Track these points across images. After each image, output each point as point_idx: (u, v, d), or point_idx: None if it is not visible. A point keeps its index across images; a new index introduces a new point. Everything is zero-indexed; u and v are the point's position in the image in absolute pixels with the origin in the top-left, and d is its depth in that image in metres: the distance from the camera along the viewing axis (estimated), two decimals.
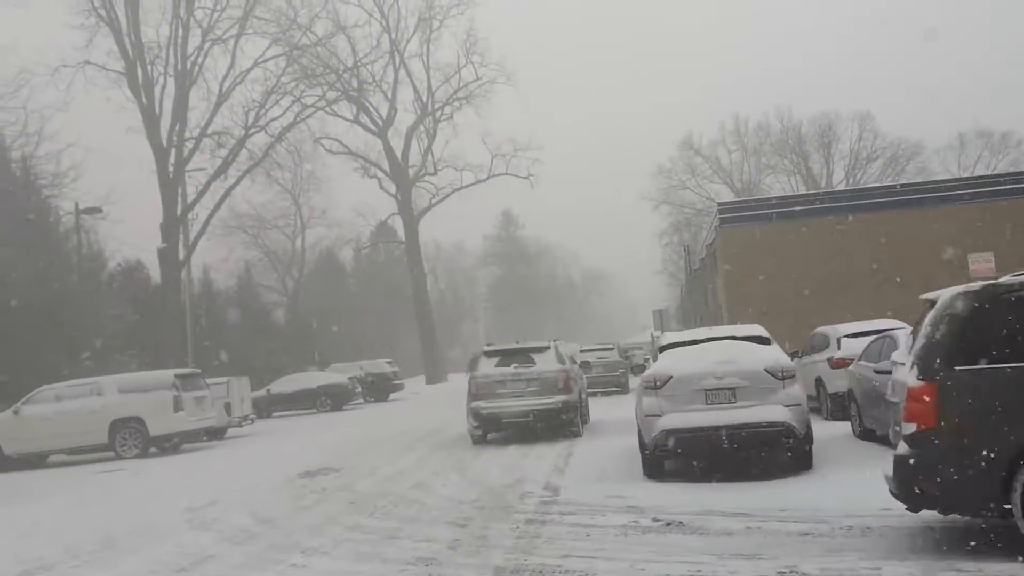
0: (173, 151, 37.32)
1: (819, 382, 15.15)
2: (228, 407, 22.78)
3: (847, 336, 14.82)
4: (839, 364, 14.25)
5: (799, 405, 9.70)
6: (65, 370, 29.30)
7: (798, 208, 28.50)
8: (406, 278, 57.70)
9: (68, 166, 33.88)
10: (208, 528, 9.07)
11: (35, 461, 19.08)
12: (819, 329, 16.58)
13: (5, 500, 13.42)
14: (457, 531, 7.90)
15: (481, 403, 15.13)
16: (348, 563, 7.00)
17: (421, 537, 7.75)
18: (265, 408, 30.97)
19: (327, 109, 46.74)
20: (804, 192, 51.05)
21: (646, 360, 32.40)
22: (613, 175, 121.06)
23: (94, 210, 31.51)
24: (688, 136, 67.63)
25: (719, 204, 31.44)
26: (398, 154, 52.28)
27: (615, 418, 17.38)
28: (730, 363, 9.82)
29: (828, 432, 12.51)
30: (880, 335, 12.19)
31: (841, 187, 60.36)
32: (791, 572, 5.63)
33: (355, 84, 48.46)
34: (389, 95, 51.78)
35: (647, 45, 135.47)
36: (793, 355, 16.22)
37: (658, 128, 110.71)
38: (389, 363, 39.78)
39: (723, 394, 9.67)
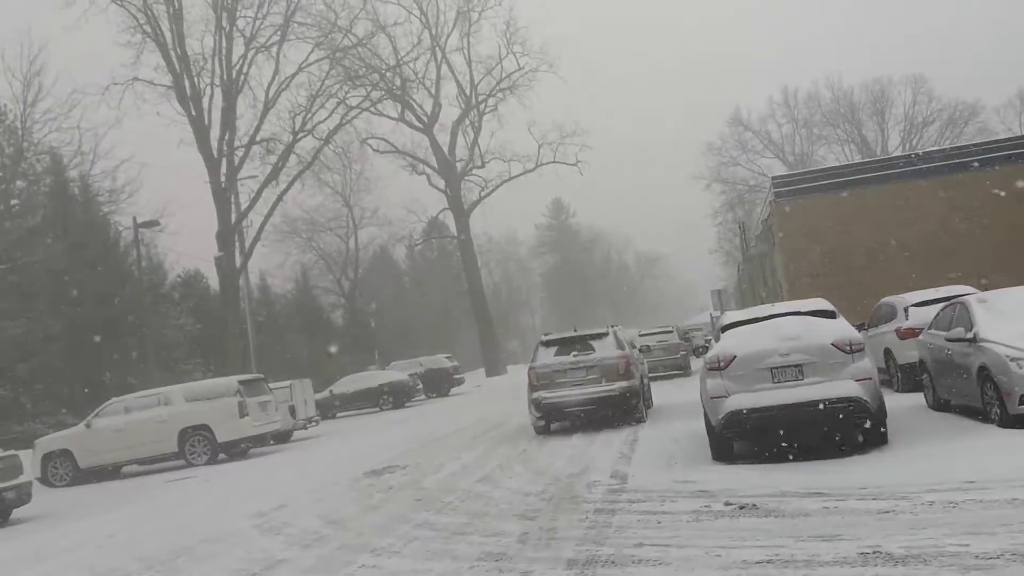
0: (224, 160, 37.91)
1: (888, 353, 14.72)
2: (292, 410, 23.02)
3: (915, 305, 14.37)
4: (908, 334, 13.81)
5: (870, 379, 9.39)
6: (133, 381, 30.00)
7: (854, 177, 27.75)
8: (460, 272, 57.83)
9: (124, 182, 34.79)
10: (278, 532, 9.11)
11: (109, 472, 19.45)
12: (885, 299, 16.11)
13: (82, 512, 13.72)
14: (526, 524, 7.80)
15: (542, 393, 15.00)
16: (418, 561, 6.94)
17: (490, 532, 7.67)
18: (328, 409, 31.27)
19: (372, 109, 47.02)
20: (860, 160, 49.83)
21: (707, 341, 31.98)
22: (662, 156, 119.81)
23: (151, 223, 32.14)
24: (736, 112, 66.72)
25: (773, 178, 30.80)
26: (445, 149, 52.36)
27: (679, 401, 17.13)
28: (795, 339, 9.54)
29: (901, 404, 12.15)
30: (950, 302, 11.77)
31: (897, 153, 58.91)
32: (874, 552, 5.41)
33: (398, 82, 48.61)
34: (432, 91, 51.87)
35: (690, 22, 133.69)
36: (859, 327, 15.79)
37: (706, 105, 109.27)
38: (448, 358, 39.88)
39: (790, 371, 9.40)
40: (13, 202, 32.10)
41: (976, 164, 26.39)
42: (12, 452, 14.63)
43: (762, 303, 23.27)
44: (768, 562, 5.54)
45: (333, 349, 43.86)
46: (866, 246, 25.56)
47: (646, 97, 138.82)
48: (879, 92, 63.97)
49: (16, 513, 14.11)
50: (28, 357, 29.01)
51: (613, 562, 6.09)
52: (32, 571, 8.97)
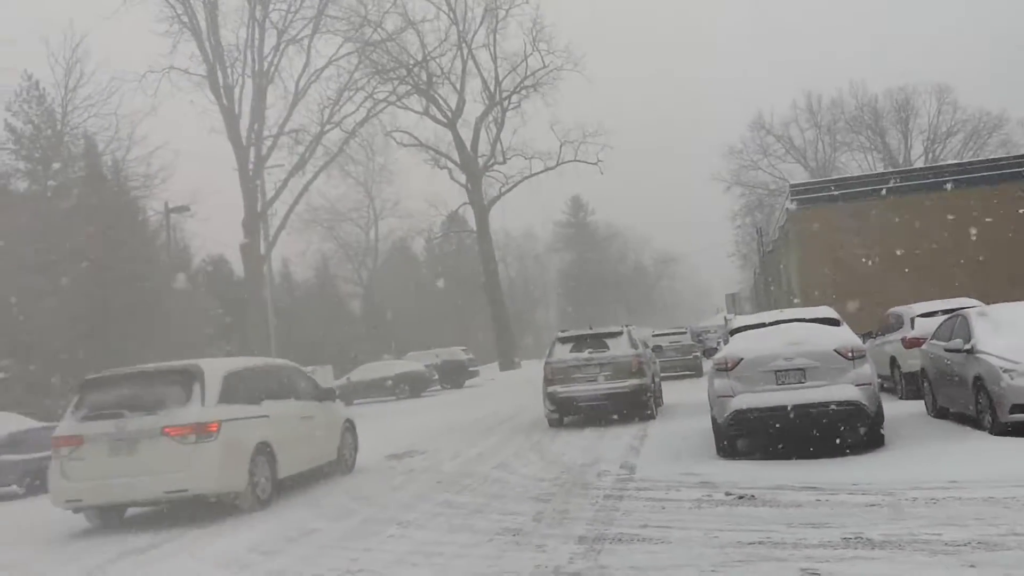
0: (252, 149, 38.71)
1: (893, 362, 15.21)
2: None
3: (921, 316, 14.85)
4: (912, 343, 14.28)
5: (869, 384, 9.94)
6: (159, 363, 30.80)
7: (871, 187, 28.18)
8: (477, 266, 58.40)
9: (157, 168, 35.59)
10: (310, 505, 9.79)
11: None
12: (893, 309, 16.59)
13: None
14: (540, 505, 8.43)
15: (557, 387, 15.60)
16: (441, 534, 7.59)
17: (507, 511, 8.31)
18: (346, 396, 31.86)
19: (398, 103, 47.65)
20: (879, 171, 50.14)
21: (719, 343, 32.45)
22: (683, 157, 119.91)
23: (182, 209, 32.98)
24: (759, 116, 66.88)
25: (791, 185, 31.23)
26: (467, 144, 52.86)
27: (689, 401, 17.62)
28: (800, 344, 10.11)
29: (902, 411, 12.65)
30: (952, 314, 12.28)
31: (920, 163, 59.15)
32: (856, 538, 6.01)
33: (424, 77, 49.21)
34: (458, 86, 52.32)
35: (714, 25, 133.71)
36: (867, 335, 16.32)
37: (728, 108, 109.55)
38: (464, 350, 40.48)
39: (793, 374, 9.97)
40: (50, 183, 33.04)
41: (994, 178, 26.75)
42: (56, 423, 15.36)
43: (777, 308, 23.78)
44: (760, 543, 6.15)
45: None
46: (880, 256, 25.99)
47: (668, 98, 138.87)
48: (903, 100, 64.04)
49: None
50: (59, 335, 29.86)
51: (620, 539, 6.71)
52: (91, 536, 9.69)
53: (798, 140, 67.71)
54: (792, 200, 28.89)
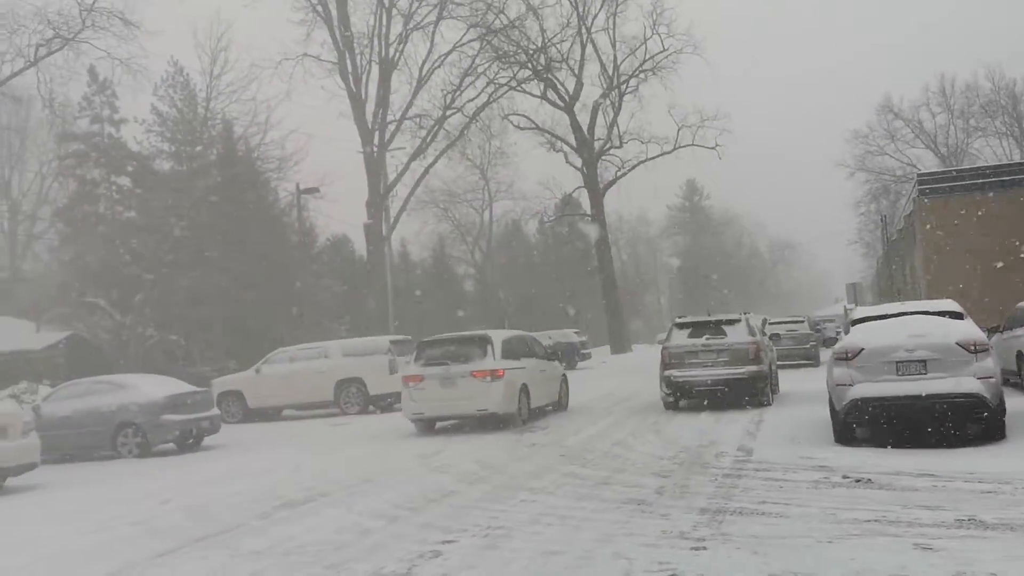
0: (377, 133, 40.17)
1: (1020, 356, 15.00)
2: None
3: None
4: None
5: (992, 378, 10.01)
6: (285, 336, 32.59)
7: (1001, 178, 27.23)
8: (590, 249, 58.67)
9: (291, 151, 37.58)
10: (443, 471, 10.58)
11: (271, 414, 21.67)
12: (1022, 303, 16.30)
13: (262, 444, 15.77)
14: (661, 480, 8.94)
15: (674, 371, 15.98)
16: (570, 501, 8.21)
17: (629, 484, 8.86)
18: None
19: (518, 88, 48.28)
20: (1012, 161, 47.93)
21: (838, 333, 31.91)
22: (805, 142, 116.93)
23: (313, 190, 34.64)
24: (887, 99, 64.62)
25: (918, 175, 30.45)
26: (584, 128, 53.08)
27: (805, 390, 17.69)
28: (921, 336, 10.24)
29: None
30: None
31: None
32: (969, 520, 6.32)
33: (543, 62, 49.68)
34: (576, 71, 52.52)
35: (840, 8, 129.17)
36: (995, 330, 16.09)
37: (852, 92, 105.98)
38: (577, 332, 40.98)
39: (914, 366, 10.12)
40: (194, 164, 35.28)
41: None
42: (206, 388, 16.79)
43: (901, 299, 23.40)
44: (875, 521, 6.52)
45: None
46: (1010, 248, 25.20)
47: (790, 81, 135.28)
48: None
49: (206, 441, 16.31)
50: (198, 306, 31.97)
51: (740, 513, 7.18)
52: (245, 484, 10.76)
53: (928, 124, 65.16)
54: (919, 190, 28.21)
